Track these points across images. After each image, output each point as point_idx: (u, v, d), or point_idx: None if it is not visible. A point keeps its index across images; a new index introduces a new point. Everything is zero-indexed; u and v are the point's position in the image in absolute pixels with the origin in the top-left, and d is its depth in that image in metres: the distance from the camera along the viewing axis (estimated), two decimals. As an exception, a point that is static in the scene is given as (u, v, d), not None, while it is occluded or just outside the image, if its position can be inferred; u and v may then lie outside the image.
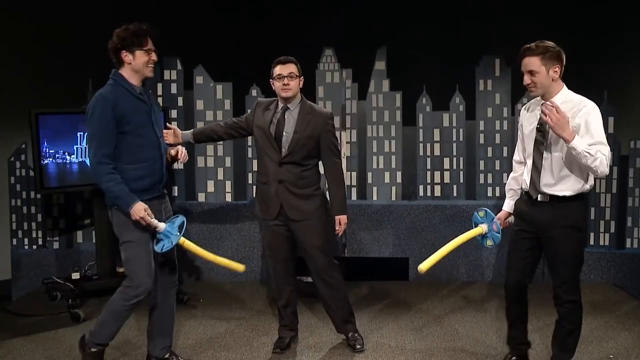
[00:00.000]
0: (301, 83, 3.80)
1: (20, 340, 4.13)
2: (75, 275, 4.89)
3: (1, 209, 5.26)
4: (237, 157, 5.51)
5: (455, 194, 5.52)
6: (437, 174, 5.52)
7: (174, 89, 5.44)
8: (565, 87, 3.26)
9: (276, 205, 3.76)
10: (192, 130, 3.98)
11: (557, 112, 3.03)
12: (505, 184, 3.53)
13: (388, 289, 5.18)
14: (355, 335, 3.99)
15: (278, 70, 3.73)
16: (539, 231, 3.31)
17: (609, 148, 3.13)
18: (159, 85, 5.42)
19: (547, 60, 3.16)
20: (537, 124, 3.28)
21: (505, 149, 5.48)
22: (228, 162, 5.49)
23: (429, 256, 5.33)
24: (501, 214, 3.54)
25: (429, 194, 5.53)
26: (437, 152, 5.51)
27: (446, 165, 5.51)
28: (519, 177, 3.46)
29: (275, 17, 5.47)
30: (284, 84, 3.70)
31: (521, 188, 3.42)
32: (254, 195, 4.16)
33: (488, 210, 3.50)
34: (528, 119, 3.38)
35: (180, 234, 3.34)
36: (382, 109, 5.46)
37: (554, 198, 3.24)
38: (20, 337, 4.18)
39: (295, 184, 3.74)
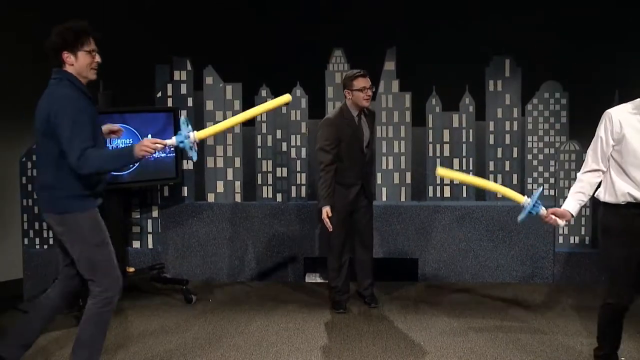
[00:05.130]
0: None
1: (31, 339, 4.15)
2: (86, 275, 4.91)
3: (13, 209, 5.28)
4: (247, 157, 5.52)
5: (464, 195, 5.51)
6: (446, 175, 5.51)
7: (183, 89, 5.46)
8: None
9: (360, 193, 4.52)
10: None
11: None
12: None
13: (397, 289, 5.18)
14: (373, 296, 4.79)
15: (362, 83, 4.29)
16: None
17: None
18: (169, 86, 5.44)
19: None
20: None
21: (515, 149, 5.46)
22: (237, 162, 5.50)
23: (437, 257, 5.39)
24: (558, 210, 3.24)
25: (438, 194, 5.51)
26: (446, 152, 5.50)
27: (456, 166, 5.50)
28: (594, 184, 3.24)
29: (285, 18, 5.48)
30: (367, 95, 4.32)
31: (619, 202, 3.15)
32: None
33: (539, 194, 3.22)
34: (632, 125, 3.09)
35: (191, 129, 3.00)
36: (391, 110, 5.46)
37: None
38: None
39: (371, 171, 4.73)
